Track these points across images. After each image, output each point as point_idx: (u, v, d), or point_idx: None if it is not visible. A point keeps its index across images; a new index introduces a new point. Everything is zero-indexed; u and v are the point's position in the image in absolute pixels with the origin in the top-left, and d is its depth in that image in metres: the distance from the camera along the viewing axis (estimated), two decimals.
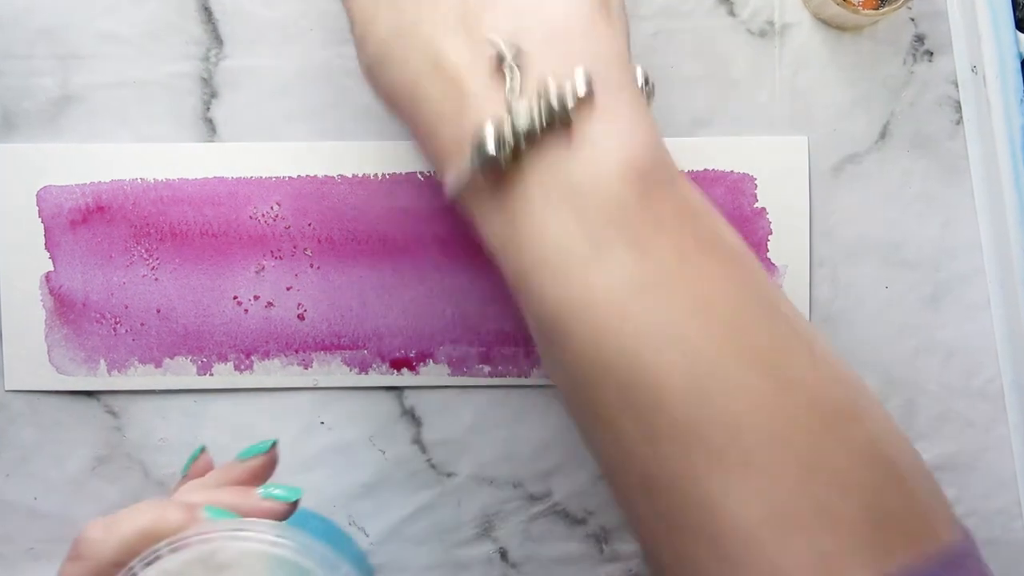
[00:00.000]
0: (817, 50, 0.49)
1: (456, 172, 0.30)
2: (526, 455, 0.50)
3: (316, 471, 0.50)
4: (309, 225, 0.49)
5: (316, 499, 0.49)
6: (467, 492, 0.50)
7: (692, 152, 0.49)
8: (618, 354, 0.28)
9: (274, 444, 0.35)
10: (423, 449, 0.50)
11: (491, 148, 0.28)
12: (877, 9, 0.47)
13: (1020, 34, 0.48)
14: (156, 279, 0.49)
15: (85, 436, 0.49)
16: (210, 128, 0.49)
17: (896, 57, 0.50)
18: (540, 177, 0.29)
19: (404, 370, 0.49)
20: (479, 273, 0.49)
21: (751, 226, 0.49)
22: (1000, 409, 0.50)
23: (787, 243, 0.49)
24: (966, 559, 0.28)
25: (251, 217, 0.49)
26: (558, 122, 0.29)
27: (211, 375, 0.49)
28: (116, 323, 0.49)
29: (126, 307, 0.49)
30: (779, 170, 0.49)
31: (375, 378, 0.49)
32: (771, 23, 0.49)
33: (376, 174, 0.49)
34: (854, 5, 0.47)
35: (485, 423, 0.50)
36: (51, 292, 0.49)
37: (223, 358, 0.49)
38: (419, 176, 0.49)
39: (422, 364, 0.49)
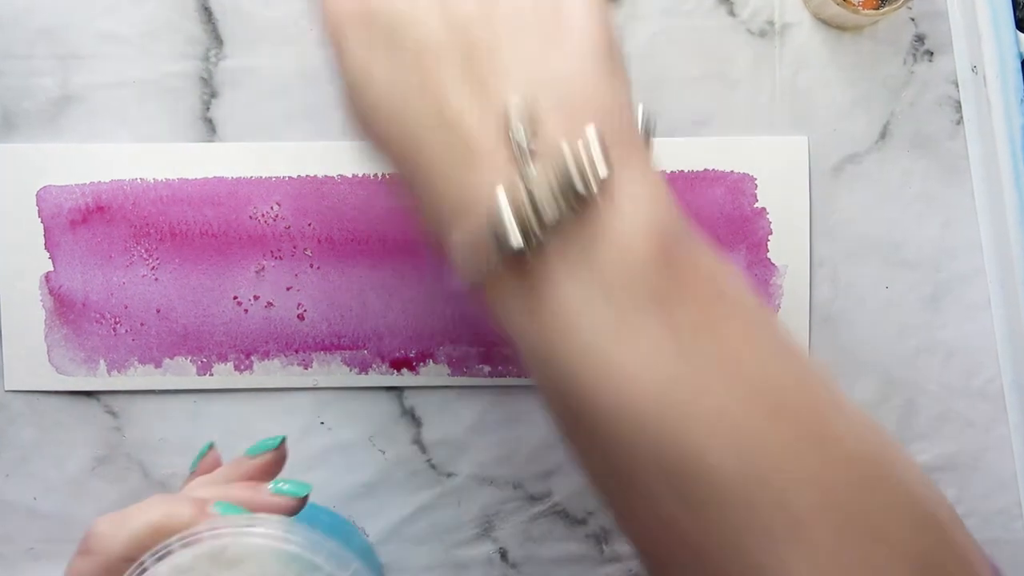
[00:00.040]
0: (817, 50, 0.49)
1: (471, 260, 0.28)
2: (526, 455, 0.50)
3: (316, 471, 0.50)
4: (309, 225, 0.49)
5: (316, 499, 0.49)
6: (467, 492, 0.50)
7: (692, 152, 0.49)
8: (660, 436, 0.26)
9: (283, 440, 0.35)
10: (423, 449, 0.50)
11: (515, 241, 0.26)
12: (877, 9, 0.47)
13: (1020, 34, 0.48)
14: (156, 279, 0.49)
15: (85, 436, 0.49)
16: (210, 128, 0.49)
17: (896, 57, 0.50)
18: (563, 256, 0.27)
19: (404, 370, 0.49)
20: None
21: (751, 226, 0.49)
22: (1000, 409, 0.50)
23: (787, 243, 0.49)
24: None
25: (251, 217, 0.49)
26: (581, 206, 0.27)
27: (211, 375, 0.49)
28: (116, 323, 0.49)
29: (126, 307, 0.49)
30: (779, 170, 0.49)
31: (375, 378, 0.49)
32: (771, 23, 0.49)
33: (376, 174, 0.49)
34: (854, 5, 0.47)
35: (485, 423, 0.50)
36: (51, 292, 0.49)
37: (223, 358, 0.49)
38: None
39: (422, 364, 0.49)
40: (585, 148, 0.27)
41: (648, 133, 0.31)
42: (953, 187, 0.50)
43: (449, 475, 0.50)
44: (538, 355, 0.29)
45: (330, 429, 0.50)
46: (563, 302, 0.27)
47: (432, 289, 0.49)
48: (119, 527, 0.29)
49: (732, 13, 0.49)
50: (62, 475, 0.49)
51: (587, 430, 0.29)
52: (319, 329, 0.49)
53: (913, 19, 0.50)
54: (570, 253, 0.27)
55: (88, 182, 0.48)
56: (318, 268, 0.49)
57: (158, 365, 0.49)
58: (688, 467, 0.26)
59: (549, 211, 0.26)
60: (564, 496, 0.50)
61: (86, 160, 0.48)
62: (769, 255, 0.49)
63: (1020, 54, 0.48)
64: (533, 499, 0.50)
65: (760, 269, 0.49)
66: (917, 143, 0.50)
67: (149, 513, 0.29)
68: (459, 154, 0.28)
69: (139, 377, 0.49)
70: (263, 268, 0.49)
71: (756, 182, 0.49)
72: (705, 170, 0.49)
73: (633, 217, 0.27)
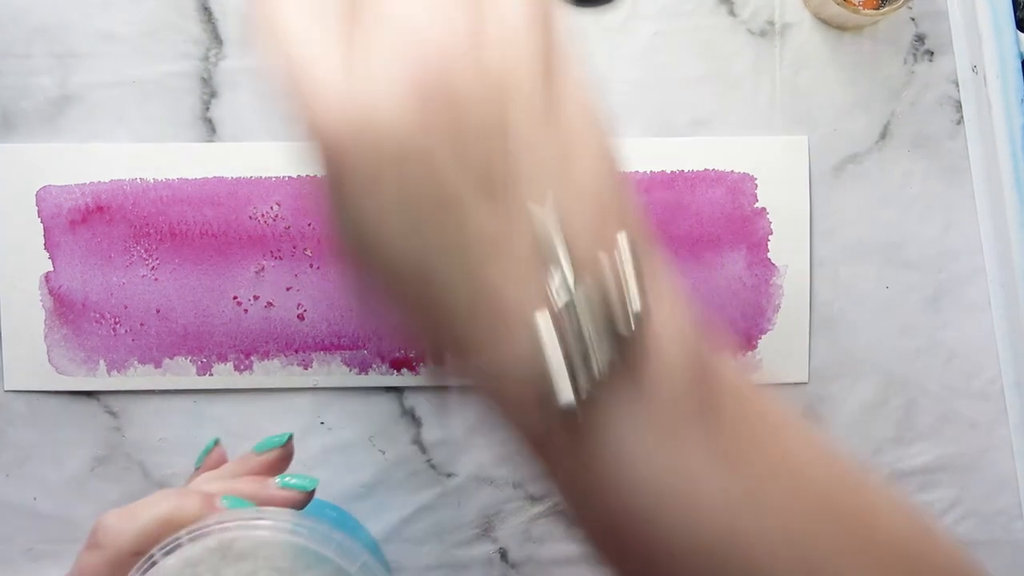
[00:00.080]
0: (817, 50, 0.49)
1: (509, 411, 0.25)
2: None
3: (316, 471, 0.50)
4: (309, 225, 0.49)
5: (317, 499, 0.49)
6: (467, 492, 0.50)
7: (692, 152, 0.49)
8: (726, 563, 0.26)
9: (290, 437, 0.35)
10: (423, 449, 0.50)
11: (565, 397, 0.23)
12: (878, 9, 0.47)
13: (1021, 34, 0.48)
14: (156, 279, 0.49)
15: (85, 436, 0.49)
16: (210, 128, 0.49)
17: (896, 57, 0.50)
18: (612, 405, 0.25)
19: (404, 370, 0.49)
20: None
21: (751, 226, 0.49)
22: (1001, 410, 0.50)
23: (787, 243, 0.49)
24: None
25: (251, 217, 0.49)
26: (625, 347, 0.24)
27: (211, 375, 0.49)
28: (116, 323, 0.49)
29: (126, 307, 0.49)
30: (779, 170, 0.49)
31: (375, 378, 0.49)
32: (771, 23, 0.49)
33: None
34: (854, 5, 0.47)
35: (485, 423, 0.50)
36: (51, 292, 0.49)
37: (223, 358, 0.49)
38: None
39: (422, 364, 0.49)
40: (621, 268, 0.24)
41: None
42: (954, 187, 0.50)
43: (449, 475, 0.50)
44: (590, 502, 0.27)
45: (330, 429, 0.50)
46: (618, 453, 0.25)
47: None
48: (128, 521, 0.29)
49: (732, 13, 0.49)
50: (62, 475, 0.49)
51: (643, 561, 0.27)
52: (319, 329, 0.49)
53: (913, 19, 0.50)
54: (620, 400, 0.24)
55: (88, 182, 0.48)
56: (318, 268, 0.49)
57: (158, 365, 0.49)
58: None
59: (598, 356, 0.23)
60: None
61: (86, 160, 0.48)
62: (769, 255, 0.49)
63: (1020, 54, 0.48)
64: (533, 499, 0.50)
65: (760, 269, 0.49)
66: (917, 143, 0.50)
67: (157, 507, 0.29)
68: (485, 281, 0.24)
69: (139, 377, 0.49)
70: (263, 268, 0.49)
71: (756, 182, 0.49)
72: (705, 170, 0.49)
73: (672, 340, 0.25)
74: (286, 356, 0.49)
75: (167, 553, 0.27)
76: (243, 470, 0.34)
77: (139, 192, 0.48)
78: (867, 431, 0.50)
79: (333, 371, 0.49)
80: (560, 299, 0.23)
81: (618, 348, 0.24)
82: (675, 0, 0.49)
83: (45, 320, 0.49)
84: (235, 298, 0.49)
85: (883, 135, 0.50)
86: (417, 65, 0.21)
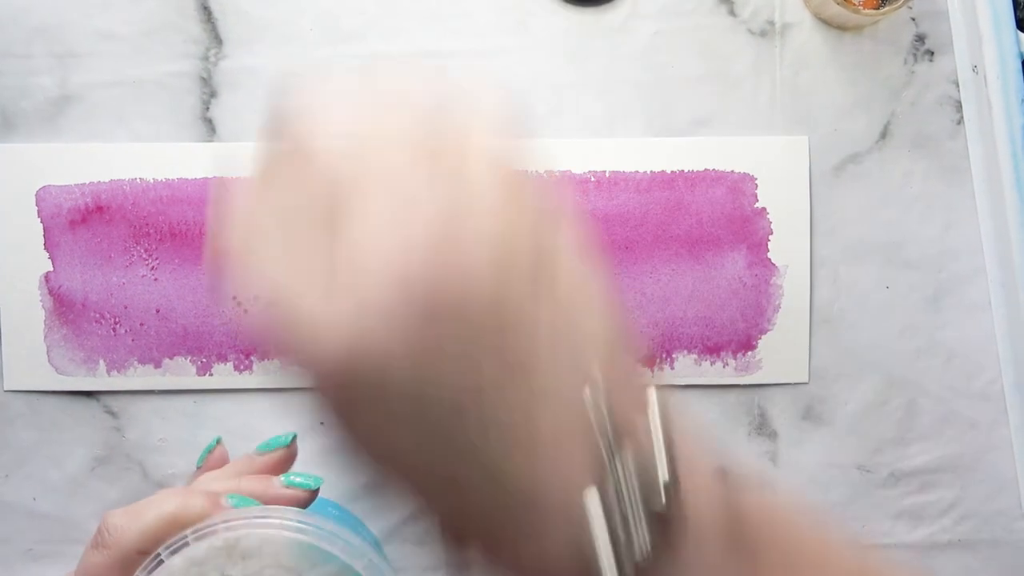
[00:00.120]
0: (818, 50, 0.49)
1: None
2: None
3: (316, 471, 0.49)
4: None
5: (319, 498, 0.49)
6: None
7: (692, 152, 0.49)
8: None
9: (294, 438, 0.35)
10: None
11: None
12: (878, 9, 0.47)
13: (1021, 34, 0.48)
14: (155, 279, 0.49)
15: (84, 436, 0.49)
16: (209, 128, 0.49)
17: (897, 57, 0.50)
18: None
19: None
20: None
21: (751, 226, 0.49)
22: (1001, 410, 0.50)
23: (788, 243, 0.49)
24: None
25: None
26: (663, 524, 0.23)
27: (211, 375, 0.49)
28: (115, 323, 0.49)
29: (125, 307, 0.49)
30: (780, 170, 0.49)
31: None
32: (772, 23, 0.49)
33: None
34: (855, 5, 0.47)
35: None
36: (50, 292, 0.49)
37: (223, 358, 0.49)
38: None
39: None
40: (653, 433, 0.23)
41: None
42: (954, 187, 0.50)
43: None
44: None
45: (330, 429, 0.50)
46: None
47: None
48: (133, 520, 0.29)
49: (733, 13, 0.49)
50: (61, 475, 0.49)
51: None
52: None
53: (914, 19, 0.50)
54: None
55: (87, 182, 0.48)
56: None
57: (158, 365, 0.49)
58: None
59: (640, 536, 0.22)
60: None
61: (85, 160, 0.48)
62: (769, 255, 0.49)
63: (1021, 54, 0.48)
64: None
65: (760, 269, 0.49)
66: (918, 143, 0.50)
67: (163, 506, 0.29)
68: (515, 477, 0.22)
69: (139, 377, 0.49)
70: None
71: (756, 182, 0.49)
72: (705, 170, 0.49)
73: (702, 511, 0.24)
74: None
75: (173, 552, 0.27)
76: (246, 470, 0.34)
77: (139, 192, 0.48)
78: (867, 431, 0.50)
79: None
80: (608, 477, 0.22)
81: (656, 526, 0.23)
82: (675, 0, 0.49)
83: (45, 320, 0.49)
84: (235, 298, 0.49)
85: (883, 135, 0.50)
86: (400, 279, 0.20)
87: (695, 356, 0.49)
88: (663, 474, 0.23)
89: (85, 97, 0.49)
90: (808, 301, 0.49)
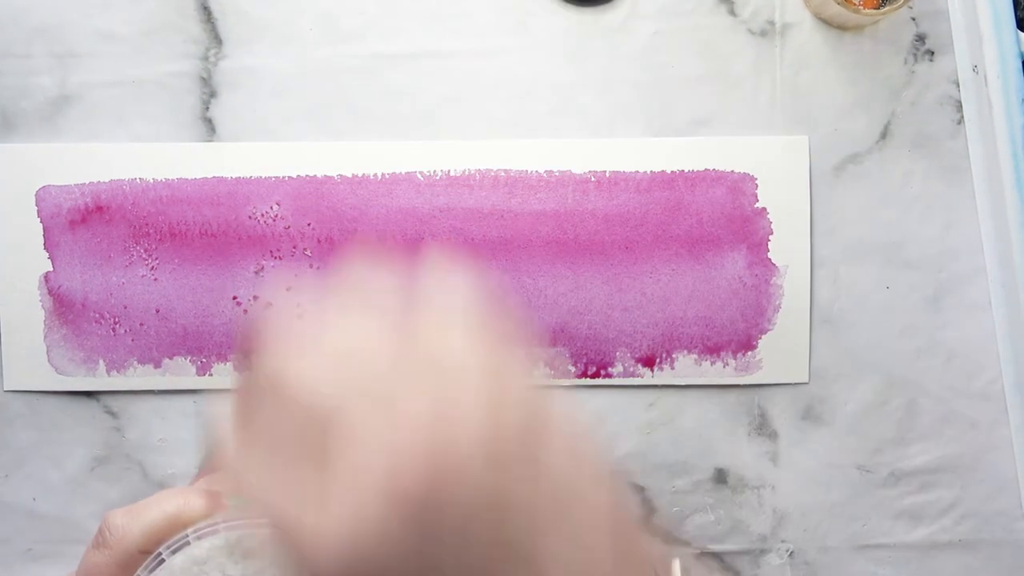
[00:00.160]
0: (818, 50, 0.49)
1: None
2: None
3: None
4: (309, 225, 0.49)
5: None
6: None
7: (692, 152, 0.49)
8: None
9: None
10: None
11: None
12: (878, 8, 0.47)
13: (1021, 33, 0.48)
14: (155, 279, 0.49)
15: (84, 436, 0.49)
16: (209, 128, 0.49)
17: (897, 57, 0.50)
18: None
19: None
20: (479, 272, 0.49)
21: (751, 226, 0.49)
22: (1002, 410, 0.50)
23: (788, 243, 0.49)
24: None
25: (250, 217, 0.49)
26: None
27: (210, 375, 0.49)
28: (115, 323, 0.49)
29: (125, 307, 0.49)
30: (780, 170, 0.49)
31: None
32: (772, 23, 0.49)
33: (376, 174, 0.49)
34: (855, 4, 0.47)
35: None
36: (50, 292, 0.49)
37: (222, 358, 0.49)
38: (418, 176, 0.49)
39: None
40: None
41: None
42: (954, 187, 0.50)
43: None
44: None
45: None
46: None
47: None
48: (134, 519, 0.29)
49: (733, 13, 0.49)
50: (61, 475, 0.49)
51: None
52: None
53: (914, 19, 0.50)
54: None
55: (87, 182, 0.48)
56: (318, 268, 0.49)
57: (157, 365, 0.49)
58: None
59: None
60: None
61: (85, 160, 0.48)
62: (770, 255, 0.49)
63: (1021, 54, 0.48)
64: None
65: (760, 269, 0.49)
66: (918, 143, 0.50)
67: (164, 505, 0.29)
68: None
69: (138, 377, 0.49)
70: (263, 268, 0.49)
71: (757, 182, 0.49)
72: (705, 170, 0.49)
73: None
74: None
75: (174, 552, 0.27)
76: None
77: (138, 192, 0.48)
78: (867, 431, 0.50)
79: None
80: None
81: None
82: (675, 0, 0.49)
83: (44, 320, 0.49)
84: (234, 298, 0.49)
85: (883, 135, 0.50)
86: (393, 497, 0.20)
87: (695, 356, 0.49)
88: None
89: (85, 97, 0.48)
90: (808, 301, 0.49)
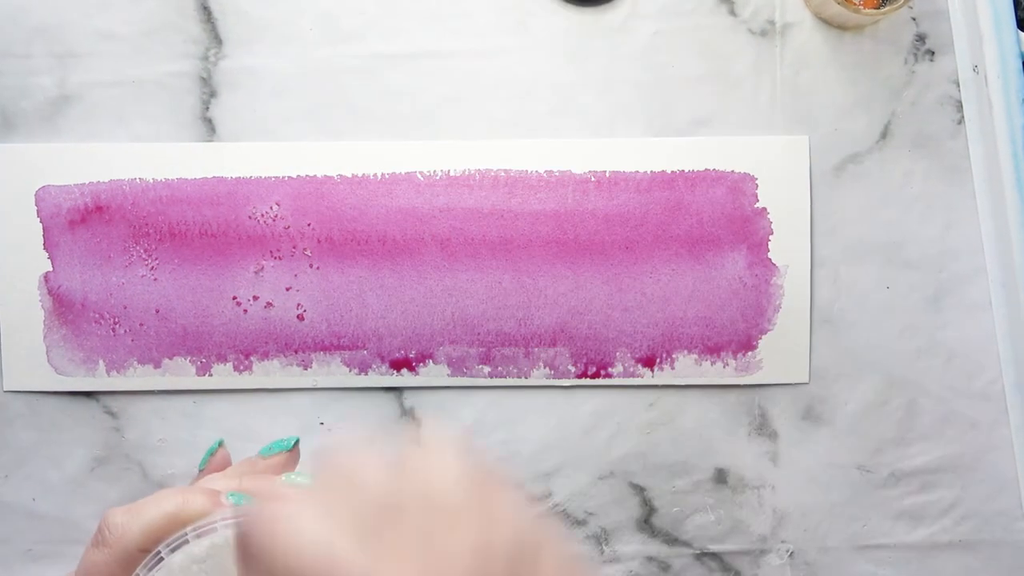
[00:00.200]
0: (818, 50, 0.49)
1: None
2: (526, 456, 0.50)
3: None
4: (308, 225, 0.49)
5: None
6: None
7: (692, 152, 0.49)
8: None
9: (297, 442, 0.35)
10: None
11: None
12: (878, 8, 0.47)
13: (1022, 33, 0.48)
14: (155, 279, 0.49)
15: (84, 437, 0.49)
16: (209, 128, 0.49)
17: (897, 57, 0.50)
18: None
19: (404, 371, 0.49)
20: (479, 273, 0.49)
21: (752, 226, 0.49)
22: (1002, 410, 0.50)
23: (788, 243, 0.49)
24: None
25: (250, 217, 0.49)
26: None
27: (210, 375, 0.49)
28: (115, 323, 0.49)
29: (125, 307, 0.49)
30: (780, 170, 0.49)
31: (375, 379, 0.49)
32: (772, 22, 0.49)
33: (376, 174, 0.49)
34: (855, 4, 0.47)
35: (485, 424, 0.50)
36: (50, 292, 0.49)
37: (222, 358, 0.49)
38: (418, 176, 0.49)
39: (422, 365, 0.49)
40: None
41: None
42: (954, 187, 0.50)
43: None
44: None
45: (330, 430, 0.50)
46: None
47: (432, 289, 0.49)
48: (134, 518, 0.29)
49: (733, 13, 0.49)
50: (61, 476, 0.49)
51: None
52: (319, 329, 0.49)
53: (914, 18, 0.50)
54: None
55: (87, 182, 0.48)
56: (318, 268, 0.49)
57: (157, 365, 0.49)
58: None
59: None
60: (564, 496, 0.50)
61: (85, 160, 0.48)
62: (770, 255, 0.49)
63: (1021, 54, 0.48)
64: (533, 500, 0.50)
65: (761, 269, 0.49)
66: (918, 143, 0.50)
67: (164, 503, 0.29)
68: None
69: (138, 377, 0.49)
70: (262, 268, 0.49)
71: (757, 182, 0.49)
72: (705, 170, 0.49)
73: None
74: (285, 356, 0.49)
75: (173, 550, 0.27)
76: (248, 473, 0.34)
77: (138, 192, 0.48)
78: (868, 431, 0.50)
79: (332, 371, 0.49)
80: None
81: None
82: (675, 0, 0.49)
83: (44, 320, 0.49)
84: (234, 298, 0.49)
85: (884, 135, 0.50)
86: None
87: (695, 356, 0.49)
88: None
89: (85, 97, 0.48)
90: (808, 301, 0.49)
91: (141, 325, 0.49)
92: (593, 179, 0.49)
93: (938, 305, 0.50)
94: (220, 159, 0.48)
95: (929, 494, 0.50)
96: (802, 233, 0.49)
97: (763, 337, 0.49)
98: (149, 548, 0.28)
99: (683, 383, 0.50)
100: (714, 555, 0.50)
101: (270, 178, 0.49)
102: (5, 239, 0.48)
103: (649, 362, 0.49)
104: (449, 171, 0.49)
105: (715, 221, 0.49)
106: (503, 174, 0.49)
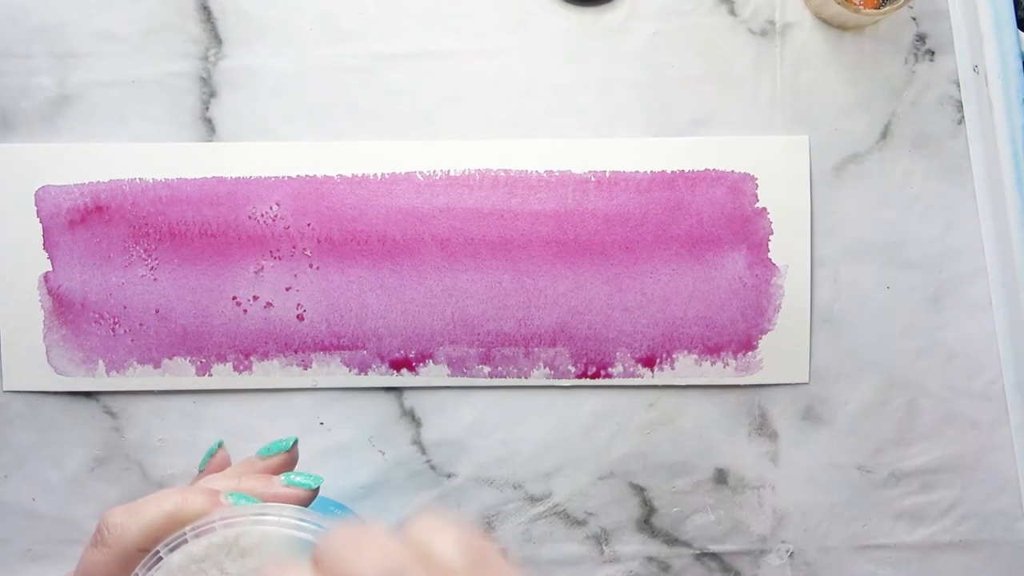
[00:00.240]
0: (818, 49, 0.49)
1: None
2: (526, 456, 0.50)
3: (315, 472, 0.49)
4: (308, 225, 0.49)
5: (320, 497, 0.49)
6: (467, 493, 0.50)
7: (692, 152, 0.49)
8: None
9: (295, 442, 0.35)
10: (423, 450, 0.50)
11: None
12: (878, 8, 0.47)
13: (1022, 33, 0.48)
14: (155, 279, 0.49)
15: (84, 437, 0.49)
16: (209, 128, 0.49)
17: (897, 56, 0.50)
18: None
19: (404, 371, 0.49)
20: (479, 273, 0.49)
21: (752, 226, 0.49)
22: (1002, 410, 0.50)
23: (788, 243, 0.49)
24: None
25: (250, 217, 0.49)
26: None
27: (210, 376, 0.49)
28: (115, 323, 0.49)
29: (125, 307, 0.49)
30: (780, 170, 0.49)
31: (374, 379, 0.49)
32: (772, 22, 0.49)
33: (375, 174, 0.49)
34: (855, 4, 0.47)
35: (485, 424, 0.50)
36: (49, 292, 0.49)
37: (222, 359, 0.49)
38: (418, 176, 0.49)
39: (422, 365, 0.49)
40: None
41: None
42: (954, 187, 0.50)
43: (449, 476, 0.50)
44: None
45: (329, 430, 0.50)
46: None
47: (432, 289, 0.49)
48: (133, 517, 0.29)
49: (733, 12, 0.49)
50: (61, 476, 0.49)
51: None
52: (318, 329, 0.49)
53: (914, 18, 0.50)
54: None
55: (86, 182, 0.48)
56: (317, 268, 0.49)
57: (157, 365, 0.49)
58: None
59: None
60: (564, 497, 0.50)
61: (84, 160, 0.48)
62: (770, 255, 0.49)
63: (1022, 53, 0.48)
64: (533, 500, 0.50)
65: (761, 269, 0.49)
66: (918, 143, 0.50)
67: (162, 503, 0.29)
68: None
69: (138, 378, 0.49)
70: (262, 268, 0.49)
71: (757, 182, 0.49)
72: (706, 170, 0.49)
73: None
74: (285, 356, 0.49)
75: (172, 550, 0.27)
76: (247, 473, 0.34)
77: (138, 192, 0.48)
78: (868, 431, 0.50)
79: (332, 371, 0.49)
80: None
81: None
82: (675, 0, 0.49)
83: (44, 320, 0.49)
84: (234, 298, 0.49)
85: (884, 135, 0.50)
86: None
87: (695, 356, 0.49)
88: None
89: (85, 97, 0.48)
90: (808, 301, 0.49)
91: (141, 325, 0.49)
92: (593, 179, 0.49)
93: (938, 305, 0.50)
94: (220, 159, 0.48)
95: (929, 494, 0.50)
96: (802, 233, 0.49)
97: (763, 337, 0.49)
98: (148, 548, 0.28)
99: (683, 383, 0.50)
100: (714, 555, 0.50)
101: (270, 178, 0.49)
102: (5, 239, 0.48)
103: (649, 362, 0.49)
104: (449, 171, 0.49)
105: (715, 221, 0.49)
106: (503, 174, 0.49)
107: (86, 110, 0.48)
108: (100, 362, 0.49)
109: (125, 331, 0.49)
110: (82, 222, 0.48)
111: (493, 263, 0.49)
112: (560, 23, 0.49)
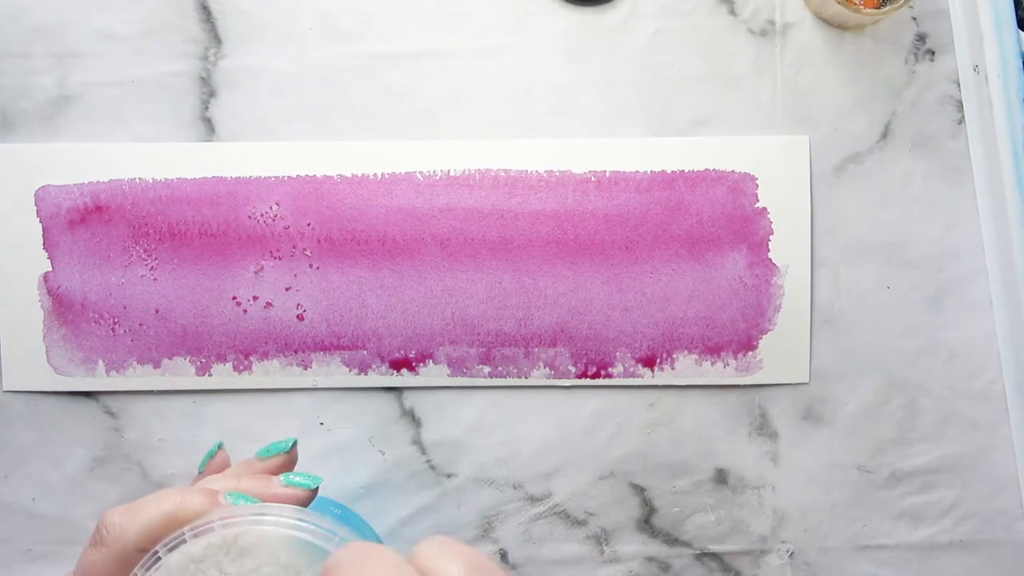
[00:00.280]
0: (818, 49, 0.49)
1: None
2: (526, 456, 0.50)
3: (315, 472, 0.49)
4: (308, 225, 0.49)
5: (320, 497, 0.49)
6: (467, 493, 0.50)
7: (692, 152, 0.49)
8: None
9: (294, 443, 0.35)
10: (423, 450, 0.50)
11: None
12: (879, 8, 0.47)
13: (1022, 33, 0.48)
14: (155, 279, 0.49)
15: (83, 437, 0.49)
16: (208, 127, 0.49)
17: (898, 56, 0.50)
18: None
19: (404, 371, 0.49)
20: (479, 273, 0.49)
21: (752, 226, 0.49)
22: (1002, 410, 0.50)
23: (788, 243, 0.49)
24: None
25: (250, 217, 0.49)
26: None
27: (210, 376, 0.49)
28: (115, 323, 0.49)
29: (124, 307, 0.49)
30: (780, 170, 0.49)
31: (374, 379, 0.49)
32: (772, 22, 0.49)
33: (375, 174, 0.49)
34: (855, 4, 0.46)
35: (485, 424, 0.50)
36: (49, 292, 0.49)
37: (222, 359, 0.49)
38: (418, 176, 0.49)
39: (422, 365, 0.49)
40: None
41: None
42: (955, 187, 0.50)
43: (449, 476, 0.50)
44: None
45: (329, 430, 0.50)
46: None
47: (432, 289, 0.49)
48: (132, 517, 0.29)
49: (733, 12, 0.49)
50: (61, 476, 0.49)
51: None
52: (318, 329, 0.49)
53: (914, 18, 0.50)
54: None
55: (86, 182, 0.48)
56: (317, 268, 0.49)
57: (157, 365, 0.49)
58: None
59: None
60: (564, 497, 0.50)
61: (84, 160, 0.48)
62: (770, 255, 0.49)
63: (1022, 53, 0.48)
64: (533, 500, 0.50)
65: (761, 269, 0.49)
66: (919, 143, 0.50)
67: (161, 503, 0.29)
68: None
69: (138, 378, 0.49)
70: (262, 268, 0.49)
71: (757, 182, 0.49)
72: (706, 170, 0.49)
73: None
74: (285, 356, 0.49)
75: (171, 549, 0.27)
76: (247, 473, 0.34)
77: (138, 192, 0.48)
78: (868, 431, 0.50)
79: (332, 371, 0.49)
80: None
81: None
82: (675, 0, 0.49)
83: (44, 320, 0.49)
84: (234, 298, 0.49)
85: (884, 135, 0.50)
86: None
87: (695, 356, 0.49)
88: None
89: (84, 97, 0.48)
90: (809, 301, 0.49)
91: (141, 325, 0.49)
92: (593, 179, 0.49)
93: (938, 305, 0.50)
94: (220, 159, 0.48)
95: (930, 494, 0.50)
96: (802, 233, 0.49)
97: (763, 337, 0.49)
98: (147, 548, 0.28)
99: (683, 383, 0.50)
100: (714, 555, 0.50)
101: (270, 178, 0.49)
102: (5, 239, 0.48)
103: (649, 362, 0.49)
104: (449, 171, 0.49)
105: (715, 221, 0.49)
106: (503, 174, 0.49)
107: (86, 110, 0.48)
108: (100, 362, 0.49)
109: (125, 331, 0.49)
110: (82, 222, 0.48)
111: (493, 263, 0.49)
112: (560, 23, 0.49)
